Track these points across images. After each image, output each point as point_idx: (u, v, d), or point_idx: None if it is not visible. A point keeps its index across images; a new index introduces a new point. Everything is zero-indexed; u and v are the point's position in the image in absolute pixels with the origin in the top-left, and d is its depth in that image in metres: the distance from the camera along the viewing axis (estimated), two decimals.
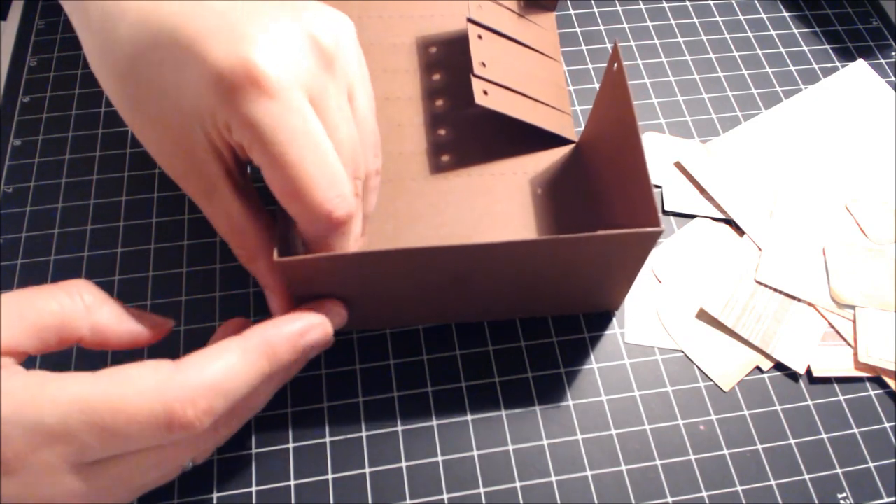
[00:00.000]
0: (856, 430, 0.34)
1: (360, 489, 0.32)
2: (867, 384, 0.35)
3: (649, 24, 0.48)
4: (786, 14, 0.49)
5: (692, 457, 0.33)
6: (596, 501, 0.32)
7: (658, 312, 0.37)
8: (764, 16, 0.49)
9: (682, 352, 0.36)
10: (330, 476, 0.32)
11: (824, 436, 0.34)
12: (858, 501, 0.32)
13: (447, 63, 0.44)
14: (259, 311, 0.36)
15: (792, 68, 0.46)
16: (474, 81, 0.37)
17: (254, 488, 0.31)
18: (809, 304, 0.37)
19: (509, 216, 0.38)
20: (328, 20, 0.27)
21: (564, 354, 0.35)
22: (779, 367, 0.35)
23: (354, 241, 0.28)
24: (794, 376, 0.35)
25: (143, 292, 0.36)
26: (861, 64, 0.46)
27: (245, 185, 0.29)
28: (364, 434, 0.33)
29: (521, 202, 0.39)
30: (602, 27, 0.47)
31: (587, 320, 0.36)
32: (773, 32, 0.48)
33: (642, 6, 0.49)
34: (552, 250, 0.29)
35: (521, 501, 0.31)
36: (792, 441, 0.33)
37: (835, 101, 0.44)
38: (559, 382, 0.34)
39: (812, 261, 0.38)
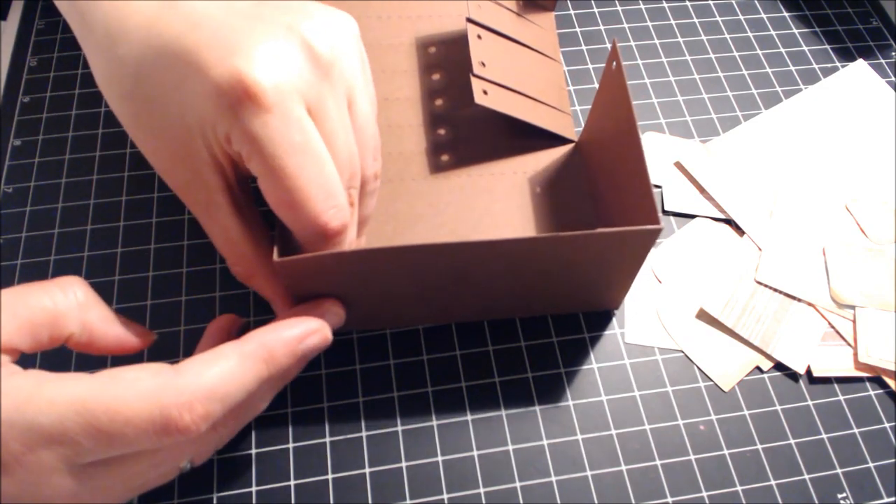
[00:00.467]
0: (856, 430, 0.34)
1: (360, 489, 0.32)
2: (867, 384, 0.35)
3: (649, 24, 0.48)
4: (786, 14, 0.49)
5: (692, 457, 0.33)
6: (596, 501, 0.32)
7: (658, 312, 0.37)
8: (764, 16, 0.49)
9: (682, 352, 0.36)
10: (330, 476, 0.32)
11: (824, 436, 0.34)
12: (858, 501, 0.32)
13: (446, 63, 0.44)
14: (259, 312, 0.36)
15: (792, 68, 0.46)
16: (474, 81, 0.37)
17: (254, 488, 0.31)
18: (809, 304, 0.37)
19: (509, 216, 0.38)
20: (326, 26, 0.27)
21: (564, 354, 0.35)
22: (779, 367, 0.35)
23: (348, 248, 0.28)
24: (794, 376, 0.35)
25: (143, 292, 0.36)
26: (861, 64, 0.46)
27: (245, 202, 0.29)
28: (364, 434, 0.33)
29: (521, 202, 0.39)
30: (602, 27, 0.47)
31: (587, 320, 0.36)
32: (773, 32, 0.48)
33: (642, 6, 0.49)
34: (552, 248, 0.29)
35: (521, 501, 0.31)
36: (792, 441, 0.33)
37: (835, 101, 0.44)
38: (559, 382, 0.34)
39: (812, 261, 0.38)
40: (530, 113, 0.39)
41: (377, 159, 0.31)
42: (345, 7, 0.28)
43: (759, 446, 0.33)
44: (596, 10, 0.48)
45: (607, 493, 0.32)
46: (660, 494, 0.32)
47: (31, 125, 0.42)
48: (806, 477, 0.32)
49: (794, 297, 0.37)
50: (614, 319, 0.36)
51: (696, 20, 0.48)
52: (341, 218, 0.26)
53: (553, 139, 0.41)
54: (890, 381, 0.35)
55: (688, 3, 0.49)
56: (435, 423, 0.33)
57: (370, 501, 0.31)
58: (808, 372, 0.35)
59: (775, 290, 0.37)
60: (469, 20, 0.40)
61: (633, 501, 0.32)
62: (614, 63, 0.33)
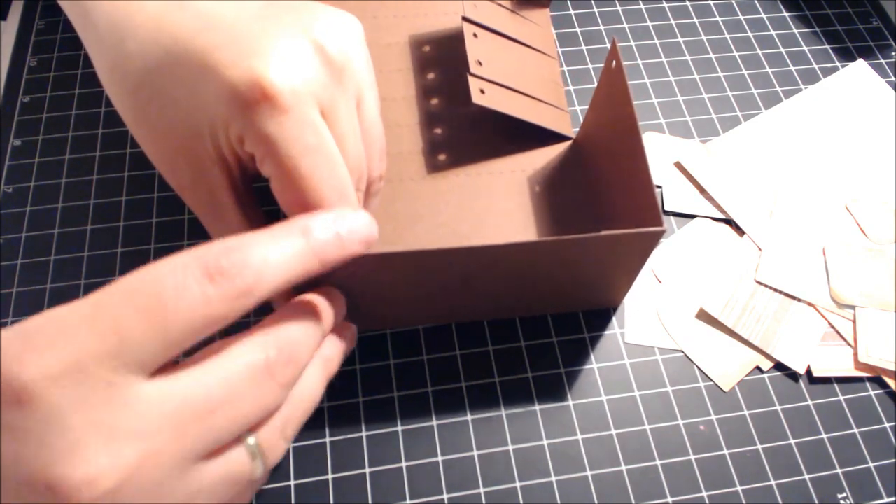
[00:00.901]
0: (856, 430, 0.34)
1: (360, 489, 0.32)
2: (867, 384, 0.35)
3: (649, 24, 0.48)
4: (786, 14, 0.49)
5: (692, 457, 0.33)
6: (596, 501, 0.32)
7: (658, 312, 0.37)
8: (764, 16, 0.49)
9: (682, 352, 0.36)
10: (330, 476, 0.32)
11: (824, 436, 0.34)
12: (858, 501, 0.32)
13: (441, 61, 0.44)
14: (259, 312, 0.36)
15: (792, 68, 0.46)
16: (471, 80, 0.37)
17: None
18: (809, 304, 0.37)
19: (509, 215, 0.38)
20: (337, 27, 0.27)
21: (564, 354, 0.35)
22: (779, 367, 0.35)
23: None
24: (794, 376, 0.35)
25: None
26: (861, 64, 0.46)
27: (249, 202, 0.29)
28: (364, 434, 0.33)
29: (520, 200, 0.39)
30: (602, 27, 0.47)
31: (587, 320, 0.36)
32: (773, 32, 0.48)
33: (642, 6, 0.49)
34: (557, 250, 0.29)
35: (521, 501, 0.31)
36: (792, 441, 0.33)
37: (835, 101, 0.44)
38: (559, 382, 0.34)
39: (812, 261, 0.38)
40: (528, 111, 0.39)
41: (383, 160, 0.31)
42: (340, 7, 0.28)
43: (759, 446, 0.33)
44: (596, 10, 0.48)
45: (607, 493, 0.32)
46: (660, 494, 0.32)
47: (31, 125, 0.42)
48: (806, 477, 0.32)
49: (794, 297, 0.37)
50: (614, 319, 0.36)
51: (696, 20, 0.48)
52: None
53: (551, 137, 0.41)
54: (890, 381, 0.35)
55: (688, 3, 0.49)
56: (435, 423, 0.33)
57: (370, 501, 0.31)
58: (808, 372, 0.35)
59: (775, 290, 0.37)
60: (464, 18, 0.40)
61: (633, 501, 0.32)
62: (614, 62, 0.33)
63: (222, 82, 0.24)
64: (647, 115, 0.43)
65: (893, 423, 0.34)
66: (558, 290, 0.34)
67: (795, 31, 0.48)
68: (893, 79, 0.45)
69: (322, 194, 0.25)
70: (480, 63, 0.38)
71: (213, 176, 0.27)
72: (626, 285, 0.34)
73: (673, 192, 0.40)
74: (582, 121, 0.43)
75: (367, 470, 0.32)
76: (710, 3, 0.49)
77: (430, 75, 0.43)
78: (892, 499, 0.32)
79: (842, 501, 0.32)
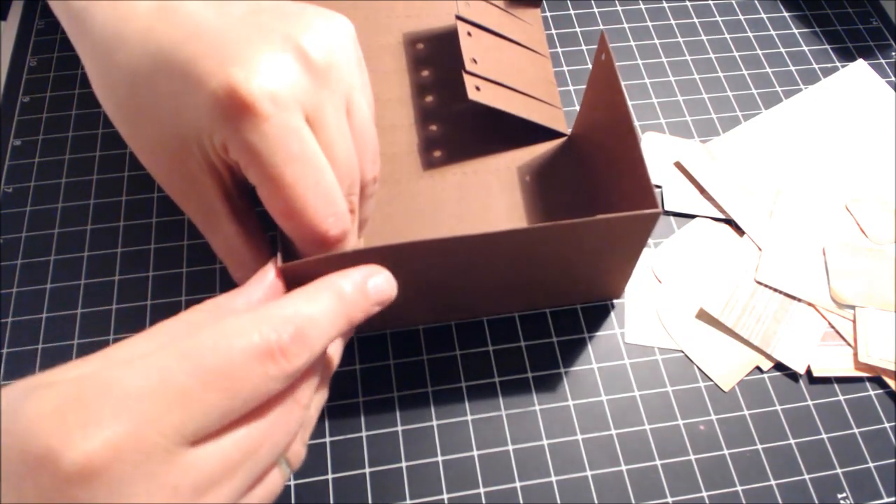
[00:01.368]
0: (856, 430, 0.34)
1: (360, 489, 0.32)
2: (867, 384, 0.35)
3: (649, 24, 0.48)
4: (786, 14, 0.49)
5: (692, 457, 0.33)
6: (596, 501, 0.32)
7: (658, 312, 0.37)
8: (764, 16, 0.49)
9: (682, 352, 0.36)
10: (330, 476, 0.32)
11: (824, 436, 0.34)
12: (858, 501, 0.32)
13: (435, 59, 0.44)
14: None
15: (792, 68, 0.46)
16: (466, 78, 0.38)
17: None
18: (809, 304, 0.37)
19: (506, 211, 0.38)
20: (322, 31, 0.26)
21: (564, 354, 0.35)
22: (779, 367, 0.35)
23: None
24: (794, 376, 0.35)
25: (144, 292, 0.36)
26: (861, 64, 0.46)
27: (244, 209, 0.29)
28: (364, 434, 0.33)
29: (516, 196, 0.39)
30: (602, 27, 0.47)
31: (587, 320, 0.36)
32: (773, 32, 0.48)
33: (642, 6, 0.49)
34: (554, 236, 0.29)
35: (521, 501, 0.31)
36: (792, 441, 0.33)
37: (835, 101, 0.44)
38: (559, 382, 0.34)
39: (812, 261, 0.38)
40: (522, 108, 0.40)
41: (376, 162, 0.31)
42: (333, 8, 0.28)
43: (759, 446, 0.33)
44: (596, 10, 0.48)
45: (607, 493, 0.32)
46: (660, 494, 0.32)
47: (31, 125, 0.42)
48: (806, 477, 0.32)
49: (794, 297, 0.37)
50: (614, 319, 0.36)
51: (696, 20, 0.48)
52: (341, 226, 0.26)
53: (545, 133, 0.41)
54: (890, 381, 0.35)
55: (688, 3, 0.49)
56: (435, 423, 0.33)
57: (370, 501, 0.31)
58: (808, 372, 0.35)
59: (775, 290, 0.37)
60: (458, 17, 0.40)
61: (633, 501, 0.32)
62: (603, 55, 0.33)
63: (204, 92, 0.24)
64: (647, 115, 0.43)
65: (893, 423, 0.34)
66: (558, 281, 0.34)
67: (795, 31, 0.48)
68: (893, 79, 0.45)
69: (307, 202, 0.25)
70: (475, 61, 0.39)
71: (205, 185, 0.27)
72: (625, 275, 0.34)
73: (673, 192, 0.40)
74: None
75: (367, 470, 0.32)
76: (710, 3, 0.49)
77: (425, 73, 0.43)
78: (892, 499, 0.32)
79: (842, 501, 0.32)
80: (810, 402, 0.34)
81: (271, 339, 0.21)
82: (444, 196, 0.39)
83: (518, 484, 0.32)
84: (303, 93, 0.25)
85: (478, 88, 0.38)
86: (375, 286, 0.26)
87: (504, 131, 0.41)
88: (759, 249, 0.38)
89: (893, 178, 0.41)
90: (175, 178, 0.28)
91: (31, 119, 0.42)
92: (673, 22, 0.48)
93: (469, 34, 0.40)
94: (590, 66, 0.45)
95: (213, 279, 0.37)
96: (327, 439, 0.33)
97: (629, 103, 0.31)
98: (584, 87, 0.44)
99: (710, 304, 0.36)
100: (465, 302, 0.34)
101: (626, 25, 0.48)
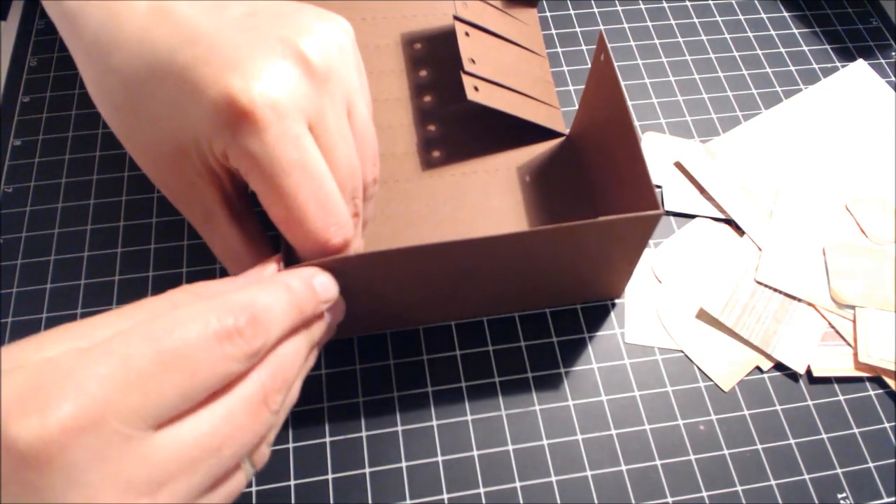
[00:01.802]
0: (856, 430, 0.34)
1: (360, 489, 0.32)
2: (867, 384, 0.35)
3: (649, 24, 0.48)
4: (786, 14, 0.49)
5: (692, 457, 0.33)
6: (596, 501, 0.32)
7: (658, 312, 0.37)
8: (764, 16, 0.49)
9: (682, 352, 0.36)
10: (330, 476, 0.32)
11: (824, 436, 0.34)
12: (858, 501, 0.32)
13: (433, 58, 0.44)
14: None
15: (792, 68, 0.46)
16: (465, 78, 0.38)
17: (254, 488, 0.31)
18: (809, 304, 0.37)
19: (505, 212, 0.38)
20: (321, 35, 0.26)
21: (564, 354, 0.35)
22: (779, 367, 0.35)
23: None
24: (794, 376, 0.35)
25: (143, 292, 0.36)
26: (861, 64, 0.46)
27: (244, 212, 0.29)
28: (364, 434, 0.33)
29: (516, 197, 0.39)
30: (602, 27, 0.47)
31: (587, 320, 0.36)
32: (773, 32, 0.48)
33: (642, 6, 0.49)
34: (555, 239, 0.29)
35: (521, 501, 0.31)
36: (792, 441, 0.33)
37: (835, 101, 0.44)
38: (559, 382, 0.34)
39: (812, 261, 0.38)
40: (521, 108, 0.40)
41: (376, 164, 0.31)
42: (330, 8, 0.28)
43: (759, 446, 0.33)
44: (596, 10, 0.48)
45: (607, 493, 0.32)
46: (660, 494, 0.32)
47: (31, 125, 0.42)
48: (806, 477, 0.32)
49: (794, 297, 0.37)
50: (614, 320, 0.36)
51: (696, 20, 0.48)
52: (343, 234, 0.26)
53: (544, 133, 0.41)
54: (890, 381, 0.35)
55: (688, 3, 0.49)
56: (435, 423, 0.33)
57: (370, 501, 0.31)
58: (808, 372, 0.35)
59: (775, 290, 0.37)
60: (456, 18, 0.40)
61: (633, 501, 0.32)
62: (602, 55, 0.33)
63: (203, 99, 0.24)
64: (647, 115, 0.43)
65: (893, 423, 0.34)
66: (558, 281, 0.34)
67: (795, 31, 0.48)
68: (893, 79, 0.45)
69: (307, 211, 0.25)
70: (473, 61, 0.39)
71: (203, 189, 0.27)
72: (626, 275, 0.34)
73: (673, 192, 0.40)
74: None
75: (367, 470, 0.32)
76: (710, 3, 0.49)
77: (423, 72, 0.44)
78: (892, 499, 0.32)
79: (842, 501, 0.32)
80: (810, 402, 0.34)
81: (228, 322, 0.21)
82: (443, 196, 0.39)
83: (518, 484, 0.32)
84: (304, 99, 0.25)
85: (476, 89, 0.38)
86: (320, 283, 0.26)
87: (502, 131, 0.41)
88: (759, 249, 0.38)
89: (893, 178, 0.41)
90: (173, 182, 0.27)
91: (31, 119, 0.42)
92: (673, 22, 0.48)
93: (467, 34, 0.40)
94: (589, 66, 0.45)
95: (213, 279, 0.36)
96: (327, 439, 0.33)
97: (629, 103, 0.31)
98: (583, 87, 0.44)
99: (710, 304, 0.36)
100: (465, 302, 0.34)
101: (626, 25, 0.48)
